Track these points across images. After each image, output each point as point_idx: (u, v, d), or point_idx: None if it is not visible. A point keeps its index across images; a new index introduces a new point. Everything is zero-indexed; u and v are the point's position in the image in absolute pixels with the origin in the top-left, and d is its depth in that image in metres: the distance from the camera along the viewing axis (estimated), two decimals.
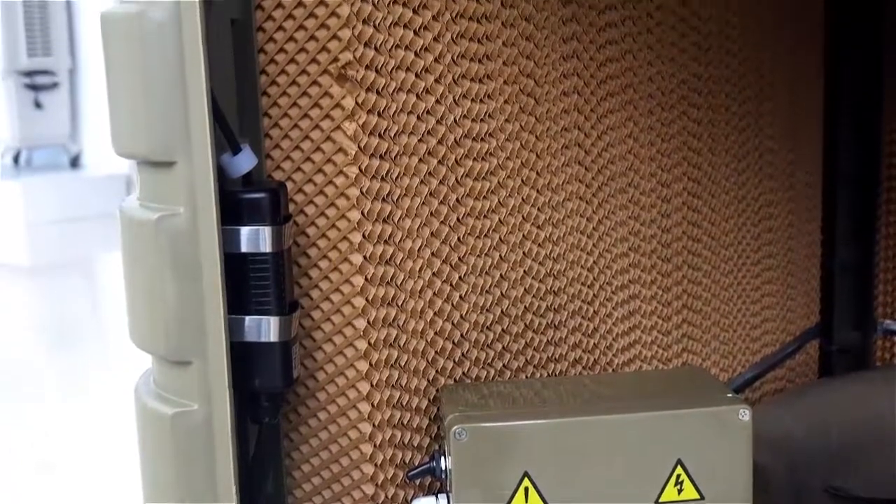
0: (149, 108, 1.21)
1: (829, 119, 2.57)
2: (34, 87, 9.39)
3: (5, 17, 9.05)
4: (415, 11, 1.44)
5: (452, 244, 1.54)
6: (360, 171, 1.38)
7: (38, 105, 9.43)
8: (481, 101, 1.55)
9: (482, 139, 1.56)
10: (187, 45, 1.18)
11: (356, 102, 1.36)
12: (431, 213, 1.50)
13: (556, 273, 1.73)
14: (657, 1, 1.94)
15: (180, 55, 1.18)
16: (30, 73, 9.32)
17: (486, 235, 1.59)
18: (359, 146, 1.38)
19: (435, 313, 1.52)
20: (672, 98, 2.00)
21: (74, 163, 9.97)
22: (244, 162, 1.31)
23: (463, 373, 1.59)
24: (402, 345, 1.47)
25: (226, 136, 1.28)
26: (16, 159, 9.80)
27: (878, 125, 2.55)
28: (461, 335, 1.57)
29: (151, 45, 1.19)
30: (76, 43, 9.62)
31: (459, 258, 1.55)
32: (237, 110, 1.39)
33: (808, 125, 2.56)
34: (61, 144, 9.91)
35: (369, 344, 1.42)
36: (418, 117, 1.46)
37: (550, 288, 1.72)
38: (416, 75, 1.45)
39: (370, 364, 1.42)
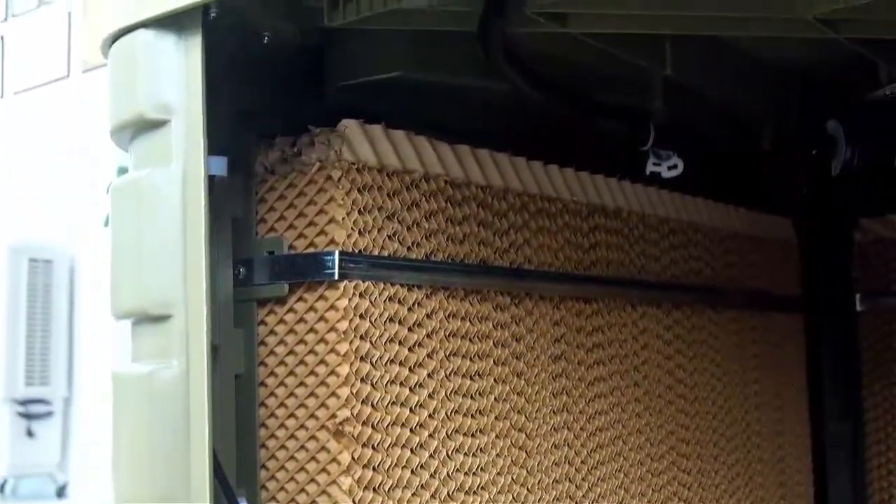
0: (153, 460, 1.25)
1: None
2: (28, 416, 9.40)
3: (7, 344, 9.19)
4: (411, 370, 1.51)
5: None
6: None
7: (30, 434, 9.41)
8: (473, 454, 1.59)
9: (474, 492, 1.59)
10: (193, 403, 1.24)
11: (352, 458, 1.40)
12: None
13: None
14: (643, 356, 2.02)
15: (186, 415, 1.23)
16: (25, 402, 9.37)
17: None
18: (353, 501, 1.40)
19: None
20: (662, 448, 2.04)
21: (60, 493, 9.82)
22: None
23: None
24: None
25: (224, 491, 1.31)
26: (2, 488, 9.66)
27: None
28: None
29: (159, 405, 1.24)
30: (74, 372, 9.73)
31: None
32: (236, 462, 1.43)
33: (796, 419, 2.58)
34: (49, 473, 9.80)
35: None
36: (412, 472, 1.49)
37: None
38: (411, 430, 1.50)
39: None
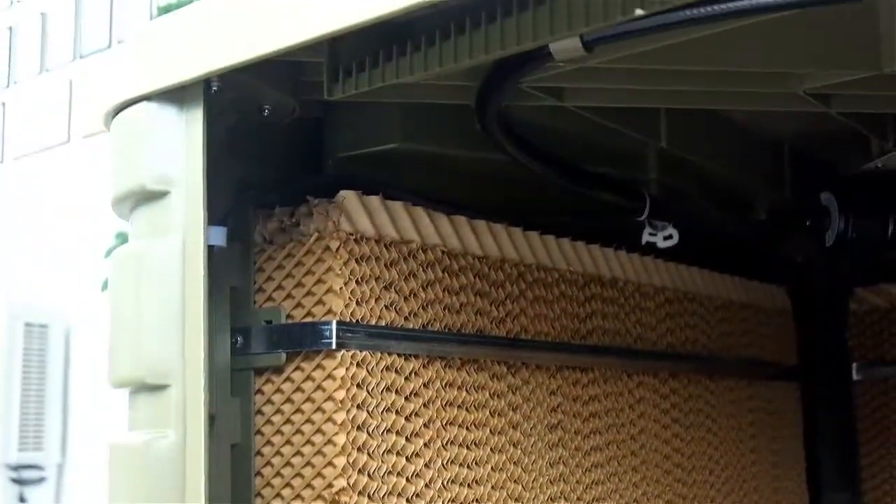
0: None
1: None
2: (20, 482, 9.33)
3: (1, 408, 9.15)
4: (407, 439, 1.51)
5: None
6: None
7: (22, 500, 9.33)
8: None
9: None
10: (190, 473, 1.24)
11: None
12: None
13: None
14: (640, 425, 2.02)
15: (183, 485, 1.23)
16: (18, 468, 9.30)
17: None
18: None
19: None
20: None
21: None
22: None
23: None
24: None
25: None
26: None
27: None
28: None
29: (155, 475, 1.24)
30: (68, 438, 9.67)
31: None
32: None
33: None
34: None
35: None
36: None
37: None
38: (408, 500, 1.50)
39: None
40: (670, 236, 1.95)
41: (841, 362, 2.62)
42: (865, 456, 2.61)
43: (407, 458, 1.51)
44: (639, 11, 1.08)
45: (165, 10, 6.29)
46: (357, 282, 1.48)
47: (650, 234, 1.96)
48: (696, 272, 2.25)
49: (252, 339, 1.48)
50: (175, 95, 1.34)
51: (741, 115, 1.84)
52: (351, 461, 1.42)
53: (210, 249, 1.34)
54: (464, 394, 1.62)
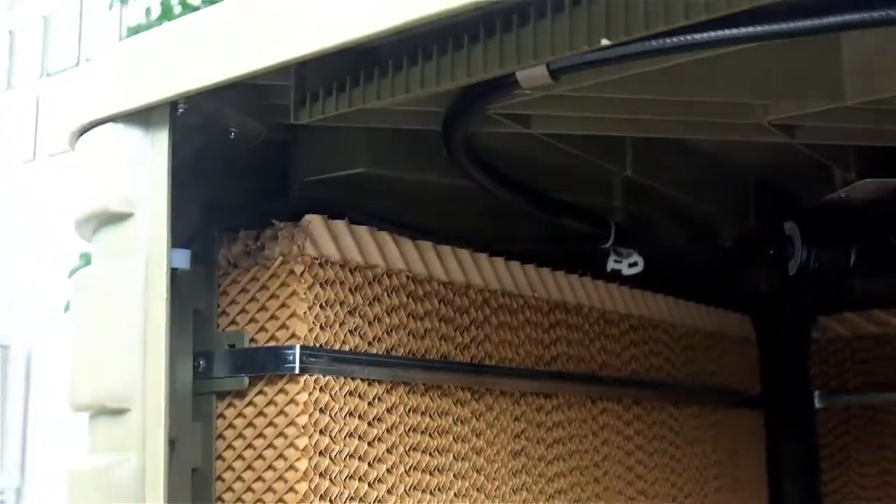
0: None
1: None
2: None
3: None
4: (370, 465, 1.50)
5: None
6: None
7: None
8: None
9: None
10: (150, 498, 1.23)
11: None
12: None
13: None
14: (603, 451, 2.02)
15: None
16: None
17: None
18: None
19: None
20: None
21: None
22: None
23: None
24: None
25: None
26: None
27: None
28: None
29: (115, 499, 1.23)
30: (27, 461, 9.56)
31: None
32: None
33: None
34: None
35: None
36: None
37: None
38: None
39: None
40: (635, 263, 1.96)
41: (803, 390, 2.64)
42: (827, 483, 2.63)
43: (369, 484, 1.50)
44: (604, 41, 1.09)
45: (136, 30, 6.28)
46: (321, 306, 1.48)
47: (615, 262, 1.96)
48: (660, 299, 2.26)
49: (215, 362, 1.47)
50: (141, 117, 1.34)
51: (707, 145, 1.85)
52: (313, 487, 1.41)
53: (173, 272, 1.33)
54: (427, 419, 1.62)
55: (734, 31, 1.09)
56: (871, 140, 1.67)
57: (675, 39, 1.10)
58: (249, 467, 1.44)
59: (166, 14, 6.30)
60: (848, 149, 1.83)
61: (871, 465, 2.59)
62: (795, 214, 2.03)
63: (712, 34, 1.09)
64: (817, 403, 2.65)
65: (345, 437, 1.47)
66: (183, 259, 1.42)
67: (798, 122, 1.55)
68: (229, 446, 1.46)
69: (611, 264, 1.96)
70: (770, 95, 1.46)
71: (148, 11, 6.68)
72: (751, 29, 1.09)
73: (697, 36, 1.09)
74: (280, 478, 1.42)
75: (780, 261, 2.03)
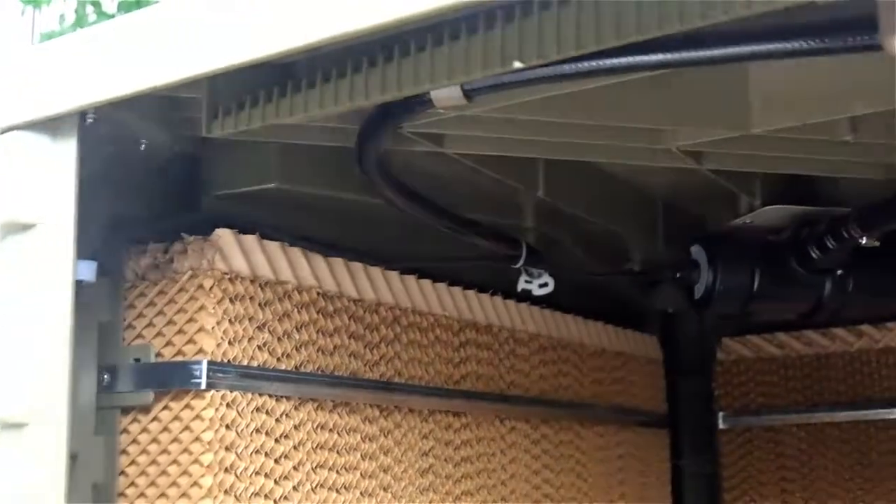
0: None
1: None
2: None
3: None
4: (276, 482, 1.49)
5: None
6: None
7: None
8: None
9: None
10: None
11: None
12: None
13: None
14: (511, 470, 2.03)
15: None
16: None
17: None
18: None
19: None
20: None
21: None
22: None
23: None
24: None
25: None
26: None
27: None
28: None
29: None
30: None
31: None
32: None
33: None
34: None
35: None
36: None
37: None
38: None
39: None
40: (546, 284, 1.98)
41: (707, 411, 2.69)
42: (729, 503, 2.68)
43: (275, 501, 1.49)
44: (517, 64, 1.10)
45: (49, 36, 6.16)
46: (230, 321, 1.46)
47: (526, 282, 1.98)
48: (570, 320, 2.28)
49: (119, 376, 1.45)
50: (48, 126, 1.31)
51: (618, 168, 1.88)
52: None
53: (78, 284, 1.31)
54: (335, 437, 1.61)
55: (644, 57, 1.11)
56: (776, 168, 1.71)
57: (584, 65, 1.12)
58: (153, 483, 1.42)
59: (80, 21, 6.21)
60: (753, 176, 1.88)
61: (772, 485, 2.64)
62: (702, 239, 2.07)
63: (620, 61, 1.11)
64: (721, 424, 2.70)
65: (251, 453, 1.46)
66: (88, 271, 1.40)
67: (705, 148, 1.59)
68: (133, 462, 1.44)
69: (521, 284, 1.98)
70: (678, 122, 1.49)
71: (62, 18, 6.57)
72: (660, 56, 1.11)
73: (606, 62, 1.11)
74: (184, 494, 1.40)
75: (686, 284, 2.07)
